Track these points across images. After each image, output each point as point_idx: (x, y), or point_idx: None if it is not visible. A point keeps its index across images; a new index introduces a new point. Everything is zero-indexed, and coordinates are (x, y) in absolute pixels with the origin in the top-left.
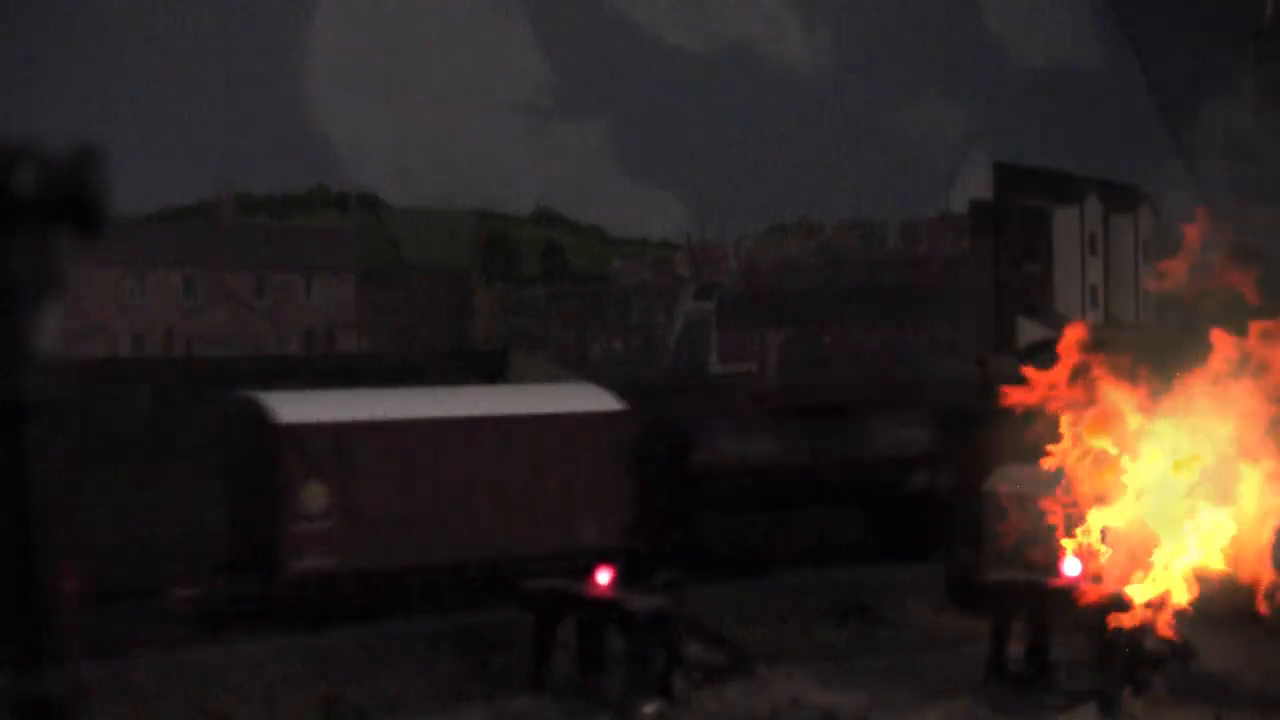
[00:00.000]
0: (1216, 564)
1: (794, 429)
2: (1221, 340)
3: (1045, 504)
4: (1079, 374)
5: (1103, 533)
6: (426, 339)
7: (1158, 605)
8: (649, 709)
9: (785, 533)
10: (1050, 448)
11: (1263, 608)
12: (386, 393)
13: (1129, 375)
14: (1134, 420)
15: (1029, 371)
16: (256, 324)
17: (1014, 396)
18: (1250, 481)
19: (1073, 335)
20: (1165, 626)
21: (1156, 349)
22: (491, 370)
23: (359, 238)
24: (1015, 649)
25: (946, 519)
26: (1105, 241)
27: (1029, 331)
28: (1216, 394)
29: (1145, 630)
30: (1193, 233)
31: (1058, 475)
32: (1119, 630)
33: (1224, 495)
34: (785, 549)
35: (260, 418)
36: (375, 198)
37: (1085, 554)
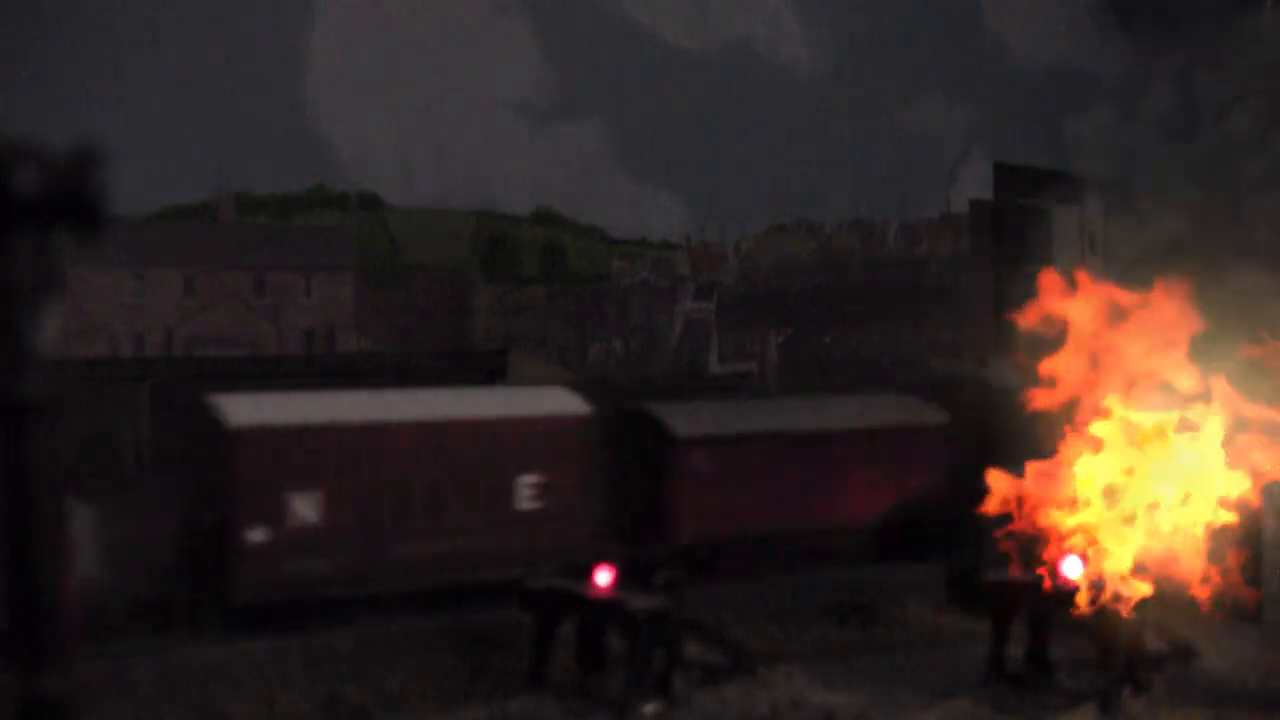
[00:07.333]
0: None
1: None
2: None
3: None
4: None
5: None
6: (426, 339)
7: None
8: (649, 709)
9: None
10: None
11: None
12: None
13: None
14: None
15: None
16: (257, 324)
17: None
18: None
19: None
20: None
21: None
22: (491, 370)
23: (359, 238)
24: (1015, 649)
25: None
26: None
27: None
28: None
29: (1145, 630)
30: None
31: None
32: (1118, 630)
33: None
34: None
35: None
36: (375, 198)
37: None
